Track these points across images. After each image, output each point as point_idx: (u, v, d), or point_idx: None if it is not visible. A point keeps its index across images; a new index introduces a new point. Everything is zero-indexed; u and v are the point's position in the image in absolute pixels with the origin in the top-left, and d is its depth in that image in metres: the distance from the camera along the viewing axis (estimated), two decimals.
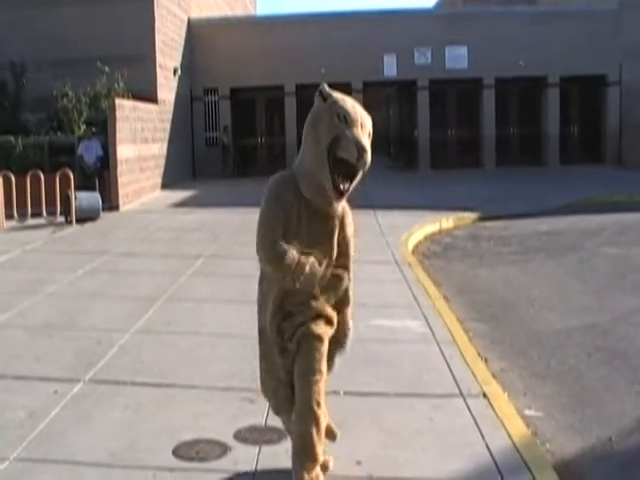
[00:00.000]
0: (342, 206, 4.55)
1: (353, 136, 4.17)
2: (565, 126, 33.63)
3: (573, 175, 28.21)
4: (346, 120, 4.22)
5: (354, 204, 4.78)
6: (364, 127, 4.27)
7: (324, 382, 4.55)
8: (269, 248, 4.38)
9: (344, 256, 4.73)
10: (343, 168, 4.23)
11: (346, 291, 4.99)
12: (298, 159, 4.54)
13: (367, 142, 4.21)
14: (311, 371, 4.47)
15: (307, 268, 4.38)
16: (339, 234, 4.59)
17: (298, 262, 4.37)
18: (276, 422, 5.30)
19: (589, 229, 16.71)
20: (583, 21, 32.36)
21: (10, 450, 5.24)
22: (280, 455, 5.07)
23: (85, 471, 4.97)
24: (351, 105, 4.33)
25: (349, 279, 4.92)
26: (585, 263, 13.11)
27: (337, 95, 4.40)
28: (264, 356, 4.73)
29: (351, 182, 4.32)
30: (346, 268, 4.83)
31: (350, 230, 4.69)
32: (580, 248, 14.49)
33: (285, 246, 4.36)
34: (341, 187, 4.28)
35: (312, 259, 4.41)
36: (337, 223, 4.55)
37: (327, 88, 4.44)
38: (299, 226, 4.41)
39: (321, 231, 4.49)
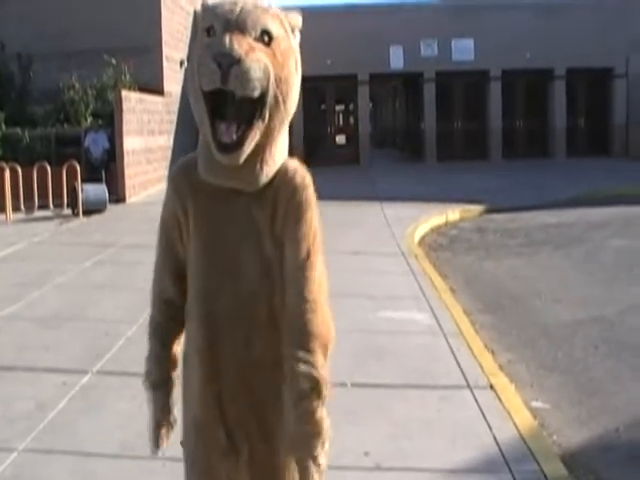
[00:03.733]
0: (286, 178, 2.65)
1: (211, 46, 2.47)
2: (572, 118, 33.55)
3: (580, 167, 28.16)
4: (214, 29, 2.54)
5: (321, 195, 2.64)
6: (247, 27, 2.51)
7: None
8: (150, 314, 2.87)
9: (296, 276, 2.62)
10: (226, 107, 2.52)
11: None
12: None
13: (241, 45, 2.43)
14: None
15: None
16: (281, 231, 2.63)
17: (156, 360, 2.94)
18: None
19: (596, 221, 16.69)
20: (590, 13, 32.26)
21: (19, 441, 5.26)
22: None
23: (94, 461, 5.00)
24: (231, 4, 2.58)
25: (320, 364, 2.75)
26: (592, 255, 13.10)
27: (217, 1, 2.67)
28: None
29: (242, 126, 2.51)
30: (304, 315, 2.65)
31: (305, 228, 2.62)
32: (587, 240, 14.48)
33: (160, 316, 2.82)
34: (224, 138, 2.49)
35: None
36: (269, 212, 2.63)
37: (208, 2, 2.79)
38: (209, 235, 2.68)
39: (242, 233, 2.65)
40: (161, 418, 2.93)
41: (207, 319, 2.64)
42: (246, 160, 2.54)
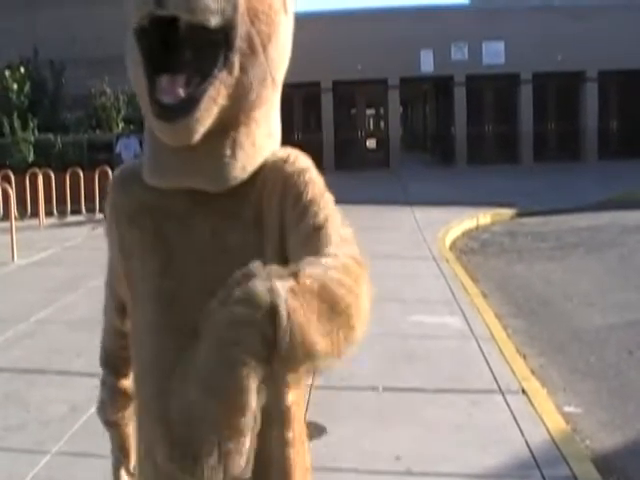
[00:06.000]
0: (275, 169, 1.78)
1: None
2: (604, 120, 33.30)
3: (612, 170, 27.93)
4: None
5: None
6: None
7: None
8: (101, 339, 2.29)
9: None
10: (173, 57, 1.68)
11: None
12: None
13: None
14: None
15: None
16: (290, 235, 1.72)
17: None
18: (315, 417, 5.32)
19: (629, 225, 16.54)
20: (622, 14, 31.99)
21: (52, 443, 5.31)
22: (319, 450, 5.08)
23: None
24: None
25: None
26: (626, 259, 12.99)
27: None
28: None
29: (195, 79, 1.66)
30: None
31: (321, 218, 1.70)
32: (620, 244, 14.36)
33: (111, 345, 2.21)
34: (165, 97, 1.63)
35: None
36: (253, 233, 1.75)
37: None
38: (157, 275, 1.80)
39: (208, 266, 1.74)
40: (120, 458, 2.24)
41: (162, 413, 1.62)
42: (209, 141, 1.66)
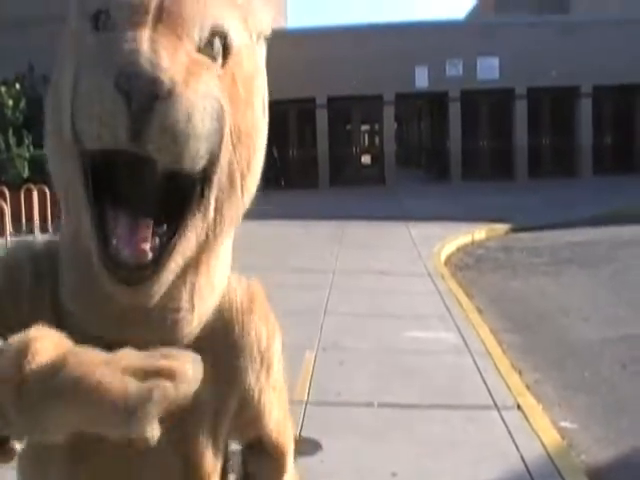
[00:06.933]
0: (231, 320, 1.47)
1: (110, 51, 1.18)
2: (598, 136, 33.39)
3: (606, 186, 27.98)
4: (111, 17, 1.25)
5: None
6: (183, 20, 1.24)
7: None
8: None
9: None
10: (128, 185, 1.28)
11: None
12: None
13: (174, 60, 1.17)
14: None
15: None
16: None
17: None
18: (310, 433, 5.33)
19: (623, 240, 16.56)
20: (616, 30, 32.12)
21: None
22: (315, 466, 5.09)
23: None
24: None
25: None
26: (619, 274, 13.02)
27: None
28: None
29: (162, 227, 1.27)
30: None
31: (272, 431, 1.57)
32: (614, 259, 14.39)
33: None
34: (126, 250, 1.22)
35: None
36: (212, 404, 1.43)
37: None
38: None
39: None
40: None
41: None
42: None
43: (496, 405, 6.43)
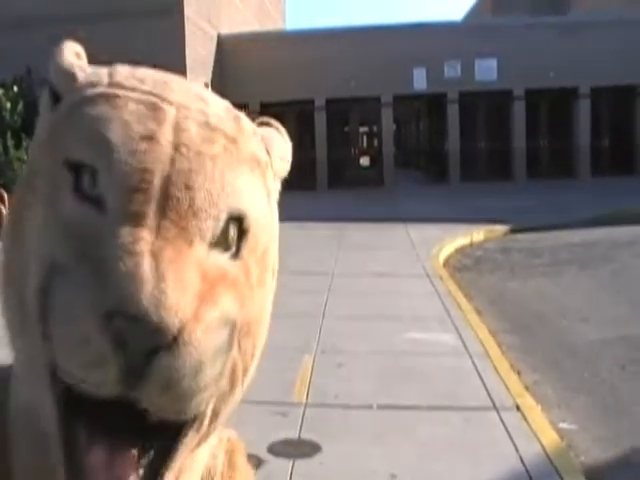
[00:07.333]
0: None
1: (99, 261, 0.80)
2: (596, 137, 33.40)
3: (605, 187, 27.99)
4: (101, 152, 0.87)
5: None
6: (197, 210, 0.88)
7: None
8: None
9: None
10: (110, 410, 0.85)
11: None
12: None
13: (184, 290, 0.81)
14: None
15: None
16: None
17: None
18: (309, 435, 5.32)
19: (622, 240, 16.57)
20: (614, 31, 32.12)
21: None
22: (314, 468, 5.08)
23: None
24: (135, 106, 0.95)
25: None
26: (618, 274, 13.02)
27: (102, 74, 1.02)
28: None
29: (146, 456, 0.89)
30: None
31: None
32: (613, 259, 14.39)
33: None
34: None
35: None
36: None
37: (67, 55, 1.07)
38: None
39: None
40: None
41: None
42: None
43: (495, 406, 6.42)
